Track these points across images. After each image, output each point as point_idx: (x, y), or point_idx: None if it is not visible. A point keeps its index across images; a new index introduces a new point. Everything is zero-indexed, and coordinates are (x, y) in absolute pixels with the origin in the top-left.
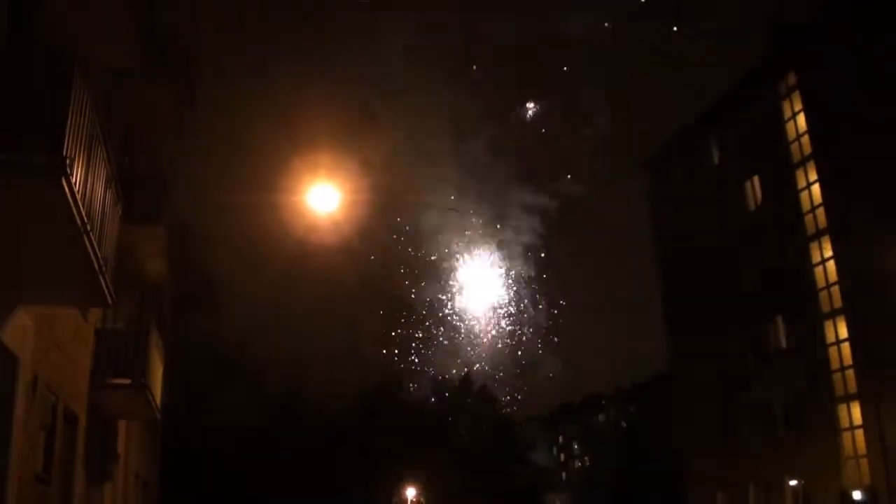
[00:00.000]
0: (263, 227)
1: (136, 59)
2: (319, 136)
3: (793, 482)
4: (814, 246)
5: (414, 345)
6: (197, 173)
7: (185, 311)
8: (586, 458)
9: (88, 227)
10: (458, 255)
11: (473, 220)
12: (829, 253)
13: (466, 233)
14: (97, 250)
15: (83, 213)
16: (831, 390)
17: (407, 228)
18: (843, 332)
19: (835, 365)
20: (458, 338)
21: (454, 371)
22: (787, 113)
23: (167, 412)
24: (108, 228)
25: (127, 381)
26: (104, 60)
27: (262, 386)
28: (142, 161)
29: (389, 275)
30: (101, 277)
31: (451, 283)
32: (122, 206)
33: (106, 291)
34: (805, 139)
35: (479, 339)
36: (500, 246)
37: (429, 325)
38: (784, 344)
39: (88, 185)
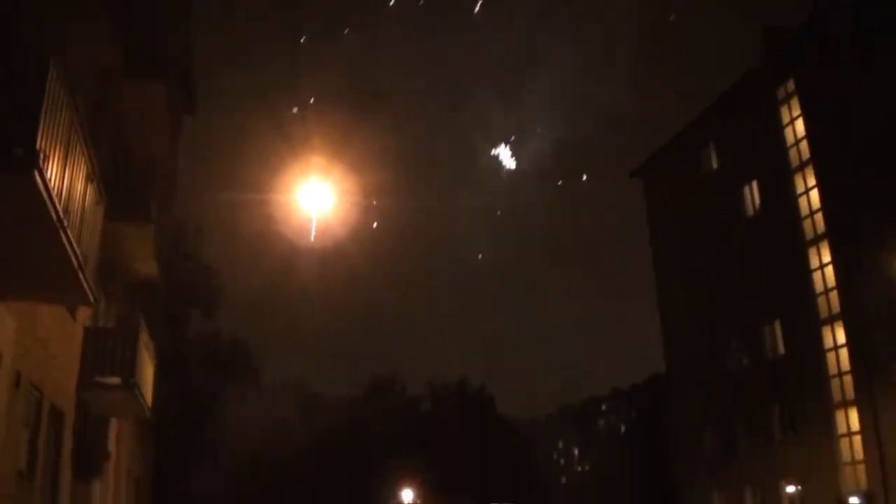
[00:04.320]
0: (256, 226)
1: (123, 59)
2: (313, 137)
3: (790, 488)
4: (812, 251)
5: (406, 344)
6: (192, 174)
7: (184, 309)
8: (586, 464)
9: (65, 223)
10: (449, 257)
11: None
12: (827, 258)
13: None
14: (75, 246)
15: (59, 209)
16: (829, 396)
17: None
18: (841, 337)
19: (832, 370)
20: (453, 337)
21: (451, 371)
22: (786, 118)
23: (165, 409)
24: (89, 225)
25: (117, 381)
26: (90, 60)
27: (258, 384)
28: (134, 161)
29: (381, 276)
30: (80, 274)
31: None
32: (109, 205)
33: (87, 289)
34: (803, 144)
35: (475, 340)
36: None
37: (421, 326)
38: (782, 349)
39: (66, 181)
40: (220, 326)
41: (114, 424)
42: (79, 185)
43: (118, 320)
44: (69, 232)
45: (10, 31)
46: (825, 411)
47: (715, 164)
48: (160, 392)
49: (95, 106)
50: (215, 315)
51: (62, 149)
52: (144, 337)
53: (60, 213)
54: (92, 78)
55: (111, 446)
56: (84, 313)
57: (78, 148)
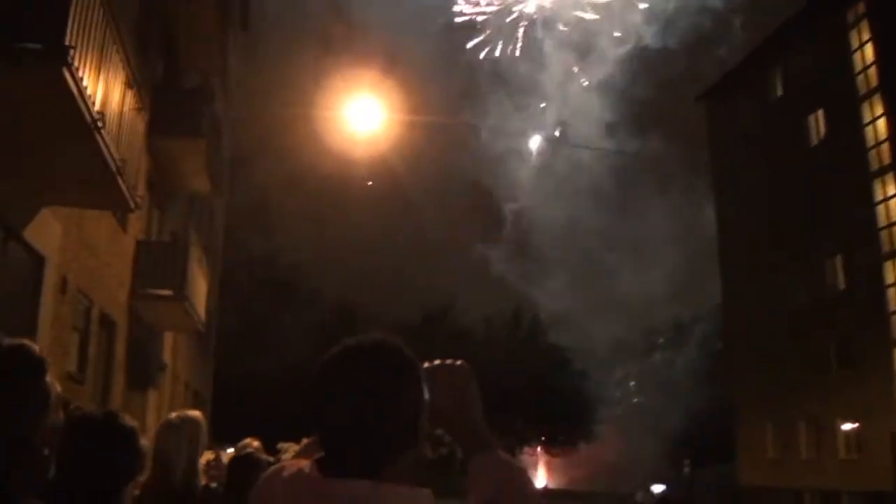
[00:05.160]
0: (303, 142)
1: None
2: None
3: (846, 425)
4: (878, 182)
5: (459, 272)
6: (240, 88)
7: (243, 231)
8: (642, 396)
9: (100, 125)
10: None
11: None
12: (892, 190)
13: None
14: (112, 149)
15: (91, 108)
16: (888, 333)
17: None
18: None
19: (893, 307)
20: (507, 266)
21: (505, 301)
22: (854, 43)
23: (224, 330)
24: (128, 131)
25: (168, 292)
26: None
27: (317, 307)
28: (184, 75)
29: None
30: (118, 178)
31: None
32: (159, 118)
33: (125, 193)
34: (872, 70)
35: (530, 269)
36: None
37: (475, 255)
38: (842, 284)
39: (101, 83)
40: (280, 248)
41: (169, 337)
42: (116, 90)
43: (172, 236)
44: (104, 134)
45: None
46: (884, 349)
47: (780, 92)
48: (220, 310)
49: (142, 15)
50: (274, 237)
51: (96, 49)
52: (196, 252)
53: (94, 114)
54: None
55: (166, 358)
56: (136, 226)
57: (114, 50)
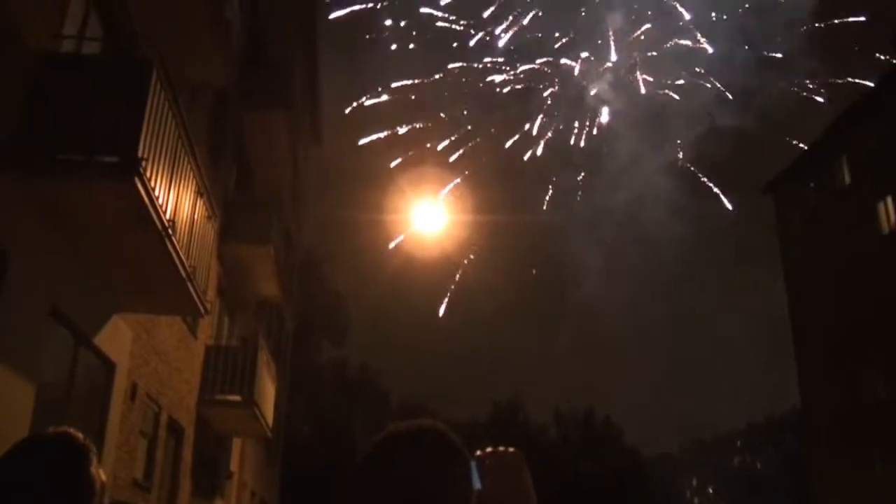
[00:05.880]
0: (371, 245)
1: (245, 83)
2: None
3: None
4: None
5: (522, 368)
6: (311, 196)
7: (313, 336)
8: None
9: (171, 232)
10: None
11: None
12: None
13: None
14: (182, 256)
15: (163, 216)
16: None
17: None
18: None
19: None
20: (570, 365)
21: (577, 401)
22: None
23: (293, 434)
24: (198, 238)
25: (237, 398)
26: (206, 79)
27: (386, 408)
28: (255, 185)
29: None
30: (188, 284)
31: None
32: (230, 226)
33: (196, 299)
34: None
35: (603, 369)
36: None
37: (535, 351)
38: None
39: (172, 192)
40: (349, 351)
41: (237, 443)
42: (187, 198)
43: (242, 341)
44: (175, 241)
45: (129, 46)
46: None
47: (848, 179)
48: (290, 415)
49: (215, 127)
50: (344, 342)
51: (168, 160)
52: (265, 356)
53: (165, 221)
54: (214, 101)
55: (233, 465)
56: (206, 332)
57: (186, 160)
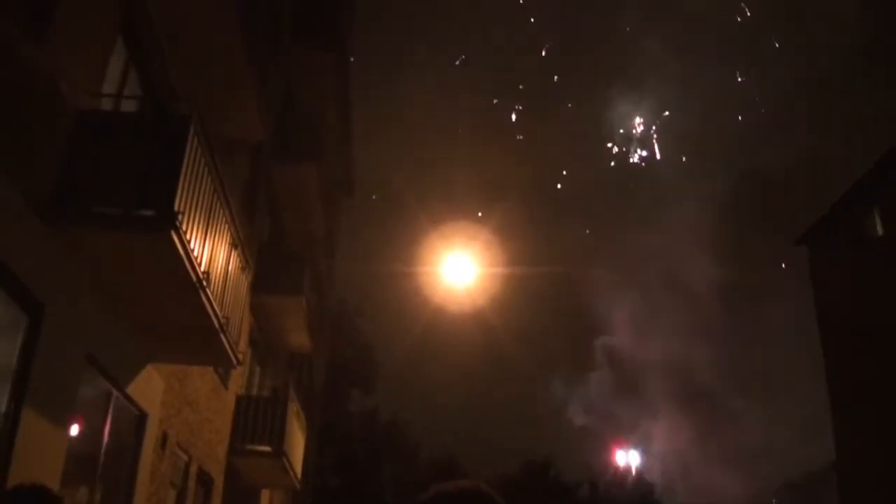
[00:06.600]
0: (402, 297)
1: (279, 137)
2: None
3: None
4: None
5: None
6: (344, 246)
7: (343, 387)
8: None
9: (205, 283)
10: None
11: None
12: None
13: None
14: (216, 308)
15: (197, 268)
16: None
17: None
18: None
19: None
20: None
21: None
22: None
23: (321, 485)
24: (232, 290)
25: (267, 448)
26: (242, 134)
27: (416, 461)
28: (289, 235)
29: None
30: (221, 335)
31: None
32: (262, 277)
33: (229, 351)
34: None
35: (633, 426)
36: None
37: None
38: None
39: (207, 245)
40: (378, 401)
41: (265, 495)
42: (221, 250)
43: (272, 391)
44: (209, 293)
45: (167, 101)
46: None
47: (881, 231)
48: (319, 466)
49: (251, 181)
50: (374, 393)
51: (204, 213)
52: (295, 407)
53: (199, 273)
54: (249, 155)
55: None
56: (237, 382)
57: (221, 213)
